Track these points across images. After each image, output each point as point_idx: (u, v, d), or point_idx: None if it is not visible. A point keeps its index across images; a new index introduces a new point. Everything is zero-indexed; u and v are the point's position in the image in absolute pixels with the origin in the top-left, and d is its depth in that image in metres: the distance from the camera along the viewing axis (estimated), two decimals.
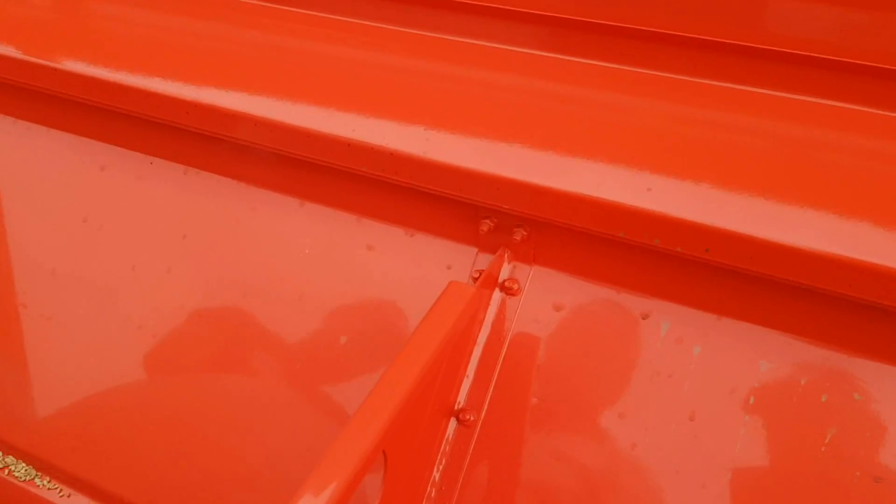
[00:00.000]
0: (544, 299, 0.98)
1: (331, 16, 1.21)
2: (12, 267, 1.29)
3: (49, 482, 1.15)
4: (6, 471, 1.17)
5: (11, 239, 1.30)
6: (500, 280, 0.99)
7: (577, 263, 0.97)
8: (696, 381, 0.89)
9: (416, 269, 1.04)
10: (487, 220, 0.98)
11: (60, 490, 1.14)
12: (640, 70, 1.09)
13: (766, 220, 0.81)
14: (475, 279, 0.99)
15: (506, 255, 0.99)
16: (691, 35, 1.04)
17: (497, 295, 0.99)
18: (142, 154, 1.21)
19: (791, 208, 0.82)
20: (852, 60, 0.98)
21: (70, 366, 1.18)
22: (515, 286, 0.99)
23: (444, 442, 0.96)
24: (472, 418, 0.96)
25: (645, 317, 0.93)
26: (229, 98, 1.07)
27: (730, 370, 0.88)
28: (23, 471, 1.16)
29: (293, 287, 1.09)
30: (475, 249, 1.02)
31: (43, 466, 1.16)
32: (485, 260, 1.01)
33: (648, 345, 0.92)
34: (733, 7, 1.01)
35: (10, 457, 1.18)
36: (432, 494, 0.95)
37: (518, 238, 0.97)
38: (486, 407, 0.97)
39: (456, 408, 0.97)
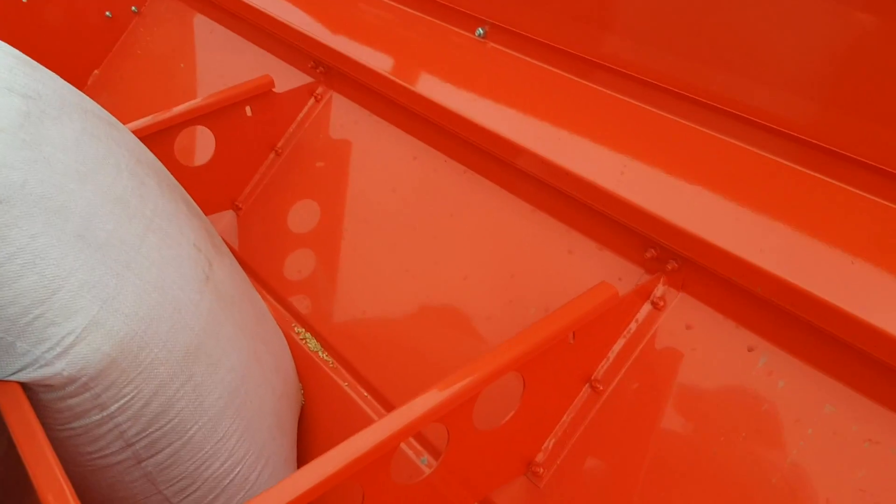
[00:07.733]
0: (681, 319, 1.27)
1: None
2: (345, 212, 1.86)
3: (326, 355, 1.70)
4: (305, 342, 1.74)
5: (351, 193, 1.88)
6: (653, 296, 1.30)
7: (713, 298, 1.25)
8: (773, 407, 1.13)
9: (597, 274, 1.39)
10: (652, 249, 1.30)
11: (332, 363, 1.69)
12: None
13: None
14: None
15: (661, 279, 1.30)
16: None
17: (647, 306, 1.30)
18: (439, 152, 1.70)
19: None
20: None
21: (367, 291, 1.72)
22: (662, 303, 1.29)
23: (577, 398, 1.30)
24: (602, 388, 1.29)
25: (751, 349, 1.18)
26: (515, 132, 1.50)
27: (800, 405, 1.11)
28: (313, 343, 1.72)
29: (509, 267, 1.50)
30: (642, 270, 1.34)
31: (326, 345, 1.72)
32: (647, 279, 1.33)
33: (746, 371, 1.17)
34: None
35: (308, 333, 1.75)
36: (559, 433, 1.30)
37: (670, 268, 1.27)
38: (615, 383, 1.29)
39: (592, 377, 1.30)
